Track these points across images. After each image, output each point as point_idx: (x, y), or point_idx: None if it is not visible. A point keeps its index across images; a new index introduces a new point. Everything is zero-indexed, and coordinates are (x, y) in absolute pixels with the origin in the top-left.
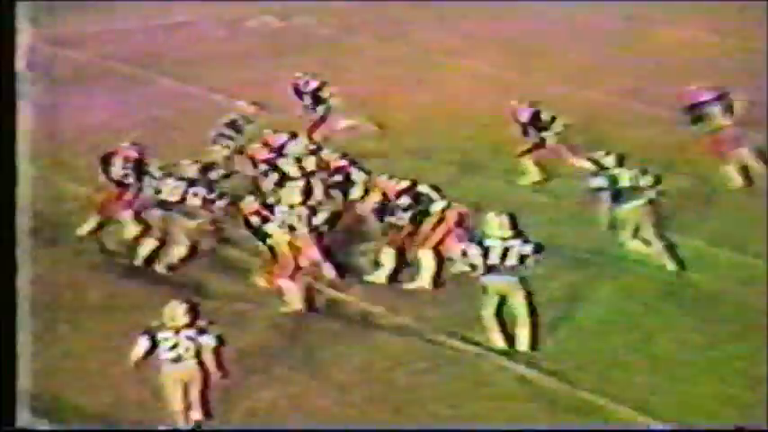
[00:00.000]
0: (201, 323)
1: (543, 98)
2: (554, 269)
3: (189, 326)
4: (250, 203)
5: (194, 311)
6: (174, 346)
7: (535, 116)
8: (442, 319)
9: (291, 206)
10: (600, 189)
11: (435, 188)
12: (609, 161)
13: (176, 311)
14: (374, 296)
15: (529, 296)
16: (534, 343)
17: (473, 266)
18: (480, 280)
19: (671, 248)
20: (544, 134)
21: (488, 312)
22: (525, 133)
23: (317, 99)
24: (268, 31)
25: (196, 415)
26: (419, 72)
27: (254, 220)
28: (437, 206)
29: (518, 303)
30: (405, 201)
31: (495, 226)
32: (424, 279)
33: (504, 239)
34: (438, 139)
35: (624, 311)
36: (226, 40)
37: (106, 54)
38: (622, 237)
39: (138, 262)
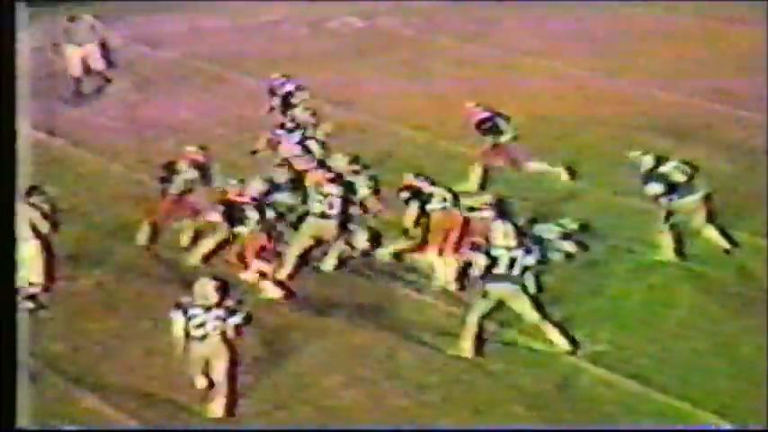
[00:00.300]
0: (229, 302)
1: (626, 99)
2: (634, 272)
3: (218, 305)
4: (233, 188)
5: (224, 290)
6: (202, 324)
7: (491, 119)
8: (518, 320)
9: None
10: (658, 195)
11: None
12: (647, 161)
13: (206, 288)
14: (450, 299)
15: (533, 299)
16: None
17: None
18: (483, 285)
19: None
20: (500, 138)
21: (474, 317)
22: (484, 134)
23: (286, 104)
24: (351, 31)
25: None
26: (502, 73)
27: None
28: (430, 207)
29: (523, 309)
30: (403, 195)
31: (501, 235)
32: (442, 280)
33: (509, 249)
34: (522, 139)
35: (705, 314)
36: (309, 40)
37: (191, 53)
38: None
39: (195, 261)
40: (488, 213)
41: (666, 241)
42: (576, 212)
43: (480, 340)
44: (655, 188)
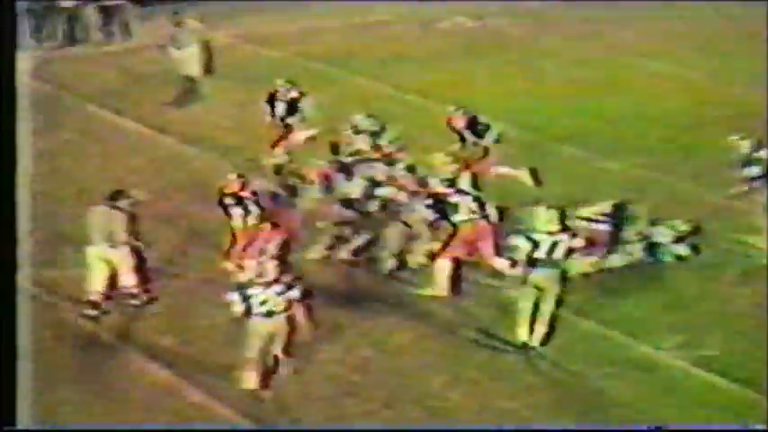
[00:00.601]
0: (287, 278)
1: (735, 100)
2: (744, 276)
3: (276, 281)
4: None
5: (282, 266)
6: (265, 302)
7: (471, 123)
8: (628, 323)
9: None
10: (755, 178)
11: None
12: (745, 145)
13: (266, 266)
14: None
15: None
16: (545, 340)
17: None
18: (523, 271)
19: None
20: (481, 141)
21: (527, 305)
22: (462, 140)
23: (291, 108)
24: (461, 31)
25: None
26: (611, 73)
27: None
28: (456, 218)
29: (548, 298)
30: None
31: (544, 220)
32: (440, 286)
33: (551, 234)
34: (630, 141)
35: None
36: (419, 40)
37: (302, 52)
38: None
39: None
40: (604, 226)
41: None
42: (686, 215)
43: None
44: (753, 171)
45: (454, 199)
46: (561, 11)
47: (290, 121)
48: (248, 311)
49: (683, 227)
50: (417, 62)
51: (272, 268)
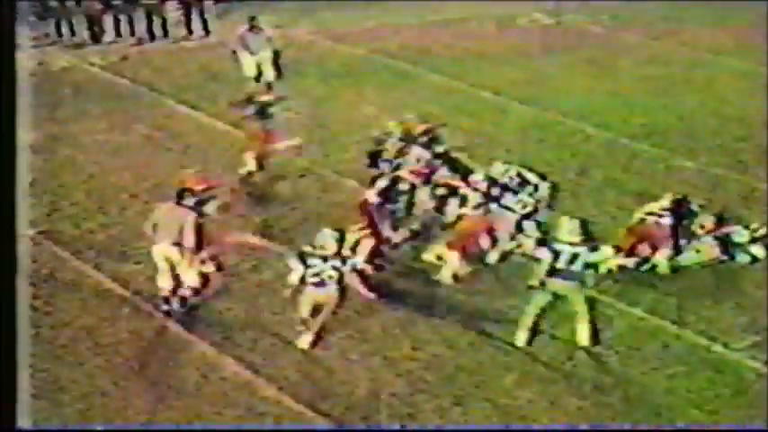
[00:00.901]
0: (346, 252)
1: None
2: None
3: (336, 254)
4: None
5: (341, 240)
6: (319, 273)
7: (427, 133)
8: (699, 322)
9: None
10: None
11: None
12: None
13: (326, 239)
14: (636, 300)
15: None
16: (594, 339)
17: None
18: (542, 278)
19: None
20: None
21: (533, 308)
22: (425, 146)
23: (263, 112)
24: (538, 28)
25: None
26: (688, 71)
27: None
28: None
29: (577, 302)
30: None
31: (566, 231)
32: (444, 276)
33: (572, 245)
34: (706, 140)
35: None
36: (496, 37)
37: (379, 49)
38: None
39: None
40: (667, 220)
41: None
42: (760, 215)
43: (534, 332)
44: None
45: (464, 190)
46: (638, 8)
47: (269, 126)
48: (302, 280)
49: (761, 230)
50: (493, 60)
51: (331, 241)
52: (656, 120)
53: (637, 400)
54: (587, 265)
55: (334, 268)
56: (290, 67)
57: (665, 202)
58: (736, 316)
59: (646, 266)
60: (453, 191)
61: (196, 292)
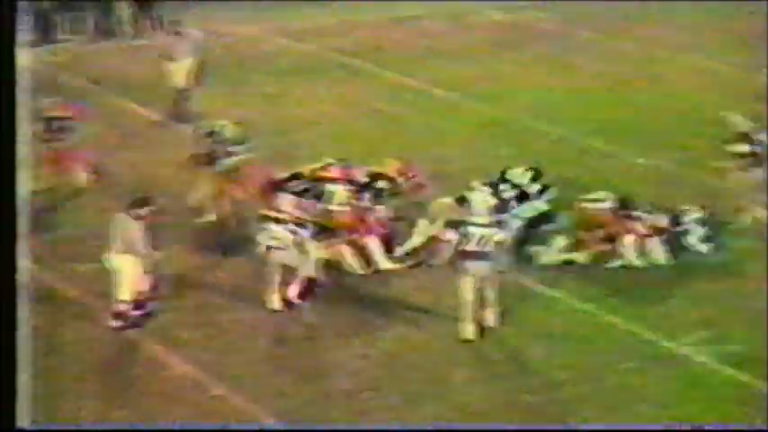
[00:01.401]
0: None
1: (761, 93)
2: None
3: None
4: None
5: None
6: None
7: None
8: (651, 317)
9: None
10: (743, 155)
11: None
12: (739, 121)
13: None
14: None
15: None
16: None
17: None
18: (460, 264)
19: None
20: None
21: (469, 297)
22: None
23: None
24: (491, 26)
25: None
26: (641, 67)
27: None
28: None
29: (489, 286)
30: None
31: (480, 200)
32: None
33: (483, 226)
34: (660, 136)
35: None
36: (449, 34)
37: (332, 46)
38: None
39: None
40: (607, 204)
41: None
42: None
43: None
44: (742, 147)
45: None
46: (591, 6)
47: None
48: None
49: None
50: (447, 57)
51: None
52: (611, 116)
53: (589, 395)
54: (500, 245)
55: (292, 233)
56: (243, 64)
57: (602, 195)
58: (686, 311)
59: (616, 262)
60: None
61: (149, 298)
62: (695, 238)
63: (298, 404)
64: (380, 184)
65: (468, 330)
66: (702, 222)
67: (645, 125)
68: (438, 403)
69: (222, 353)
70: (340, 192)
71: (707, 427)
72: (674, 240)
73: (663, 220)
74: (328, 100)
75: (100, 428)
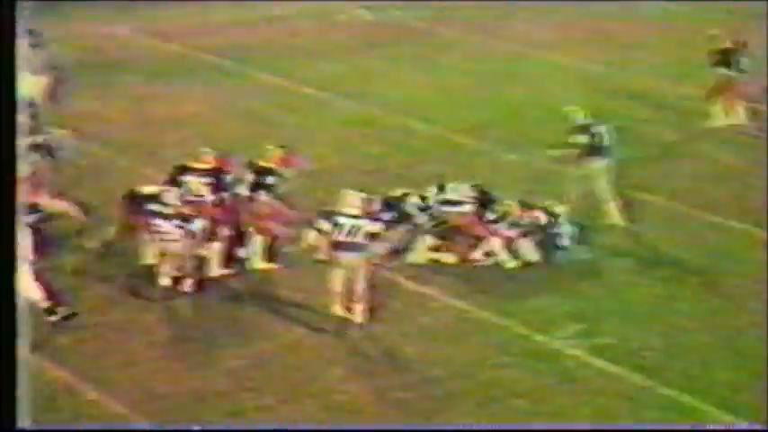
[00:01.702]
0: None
1: (634, 92)
2: (638, 266)
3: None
4: None
5: None
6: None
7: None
8: (524, 313)
9: None
10: (583, 145)
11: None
12: (579, 117)
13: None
14: (460, 292)
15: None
16: (368, 317)
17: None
18: (333, 254)
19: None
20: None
21: (337, 285)
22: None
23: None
24: (360, 24)
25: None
26: (511, 65)
27: None
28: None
29: (359, 278)
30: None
31: (348, 204)
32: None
33: (354, 218)
34: (527, 133)
35: (709, 307)
36: (318, 33)
37: (201, 47)
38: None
39: None
40: (468, 207)
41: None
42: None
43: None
44: (581, 139)
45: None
46: (461, 5)
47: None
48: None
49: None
50: (316, 56)
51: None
52: (480, 113)
53: (462, 391)
54: (371, 236)
55: (177, 227)
56: (112, 65)
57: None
58: (557, 306)
59: (489, 260)
60: None
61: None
62: (565, 235)
63: (171, 405)
64: (270, 179)
65: (337, 309)
66: (570, 220)
67: (513, 122)
68: (312, 402)
69: (94, 356)
70: (193, 183)
71: (707, 428)
72: (546, 238)
73: (535, 219)
74: (198, 100)
75: (100, 428)
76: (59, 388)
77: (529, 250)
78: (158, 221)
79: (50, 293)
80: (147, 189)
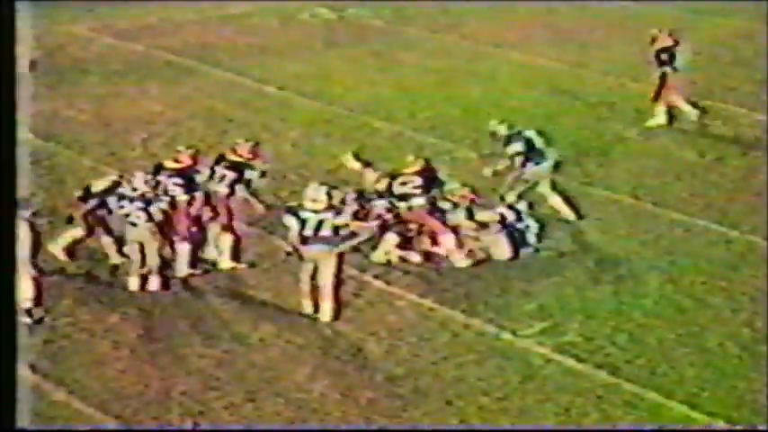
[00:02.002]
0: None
1: (594, 90)
2: (601, 263)
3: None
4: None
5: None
6: (128, 215)
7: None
8: (488, 311)
9: None
10: (518, 153)
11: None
12: (503, 129)
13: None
14: (425, 291)
15: (339, 267)
16: (336, 315)
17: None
18: (300, 249)
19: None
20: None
21: (304, 278)
22: None
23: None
24: (321, 23)
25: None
26: (471, 64)
27: None
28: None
29: (326, 273)
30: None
31: (310, 198)
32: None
33: (317, 212)
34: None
35: (673, 304)
36: (279, 32)
37: (161, 45)
38: (510, 195)
39: None
40: (420, 200)
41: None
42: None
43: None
44: (516, 147)
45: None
46: (422, 3)
47: None
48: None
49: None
50: (276, 54)
51: None
52: (441, 112)
53: (428, 389)
54: (336, 229)
55: (139, 209)
56: (73, 65)
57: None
58: (523, 303)
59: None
60: None
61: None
62: (530, 232)
63: (139, 405)
64: (248, 173)
65: (306, 305)
66: (533, 216)
67: (474, 120)
68: (278, 400)
69: (62, 357)
70: (167, 183)
71: (705, 428)
72: (511, 235)
73: (502, 214)
74: (160, 100)
75: (100, 428)
76: (26, 389)
77: (501, 246)
78: (123, 203)
79: (38, 295)
80: (100, 184)
